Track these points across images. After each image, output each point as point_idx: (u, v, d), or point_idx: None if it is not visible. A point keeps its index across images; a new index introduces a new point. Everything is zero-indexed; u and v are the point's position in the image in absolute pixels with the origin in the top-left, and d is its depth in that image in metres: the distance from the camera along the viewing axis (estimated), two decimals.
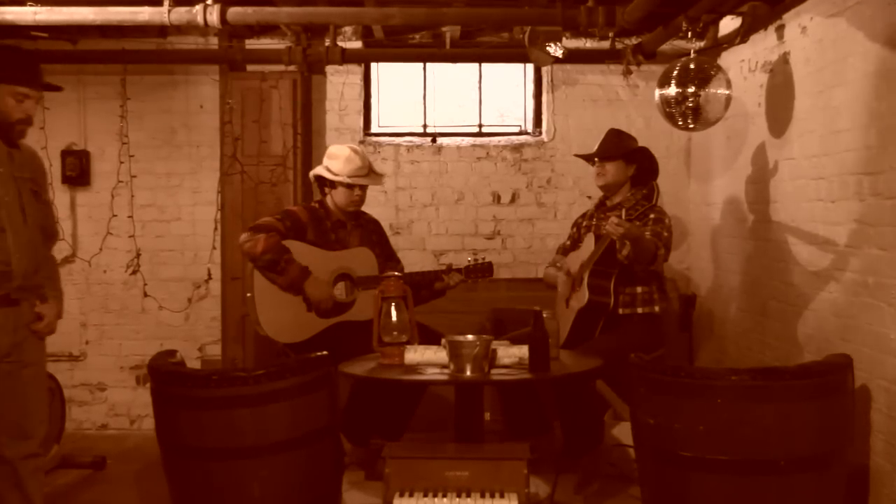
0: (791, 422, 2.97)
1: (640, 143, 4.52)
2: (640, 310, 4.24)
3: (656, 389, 3.14)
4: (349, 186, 4.36)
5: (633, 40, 5.25)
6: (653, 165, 4.42)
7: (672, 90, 4.29)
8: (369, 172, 4.42)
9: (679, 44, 4.91)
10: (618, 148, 4.38)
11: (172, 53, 5.38)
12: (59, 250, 4.65)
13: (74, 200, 5.48)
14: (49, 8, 4.48)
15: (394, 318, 3.62)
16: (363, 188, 4.42)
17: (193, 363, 5.37)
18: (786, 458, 2.96)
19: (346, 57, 5.28)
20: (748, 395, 2.98)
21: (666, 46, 5.04)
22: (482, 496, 3.08)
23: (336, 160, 4.37)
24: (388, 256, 4.58)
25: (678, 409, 3.07)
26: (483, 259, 4.42)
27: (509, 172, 5.70)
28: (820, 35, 3.96)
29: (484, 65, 5.79)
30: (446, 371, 3.41)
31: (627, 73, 5.44)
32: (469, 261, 4.41)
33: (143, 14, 4.50)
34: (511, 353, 3.51)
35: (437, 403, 4.40)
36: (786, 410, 2.97)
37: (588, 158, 4.51)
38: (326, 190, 4.45)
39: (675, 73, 4.29)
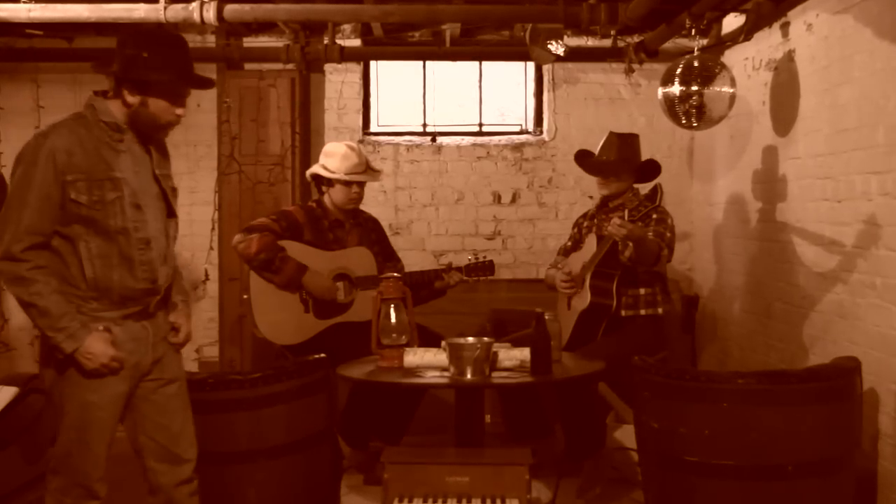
0: (798, 426, 2.93)
1: (642, 142, 4.43)
2: (643, 311, 4.19)
3: (660, 393, 3.09)
4: (347, 184, 4.31)
5: (636, 38, 5.20)
6: (655, 167, 4.34)
7: (675, 88, 4.24)
8: (367, 169, 4.36)
9: (682, 42, 4.86)
10: (621, 164, 4.28)
11: None
12: None
13: None
14: (43, 5, 4.42)
15: (393, 319, 3.56)
16: (361, 185, 4.36)
17: (191, 365, 5.31)
18: (793, 463, 2.92)
19: (345, 55, 5.24)
20: (754, 399, 2.94)
21: (668, 44, 4.99)
22: (483, 502, 3.03)
23: (332, 158, 4.31)
24: (387, 256, 4.52)
25: (683, 413, 3.02)
26: (484, 258, 4.37)
27: (510, 172, 5.65)
28: (826, 32, 3.91)
29: (484, 63, 5.75)
30: (446, 374, 3.36)
31: (629, 71, 5.40)
32: (469, 259, 4.36)
33: (139, 11, 4.44)
34: (512, 356, 3.46)
35: (437, 406, 4.35)
36: (793, 415, 2.93)
37: (591, 173, 4.43)
38: (324, 188, 4.40)
39: (679, 70, 4.24)
